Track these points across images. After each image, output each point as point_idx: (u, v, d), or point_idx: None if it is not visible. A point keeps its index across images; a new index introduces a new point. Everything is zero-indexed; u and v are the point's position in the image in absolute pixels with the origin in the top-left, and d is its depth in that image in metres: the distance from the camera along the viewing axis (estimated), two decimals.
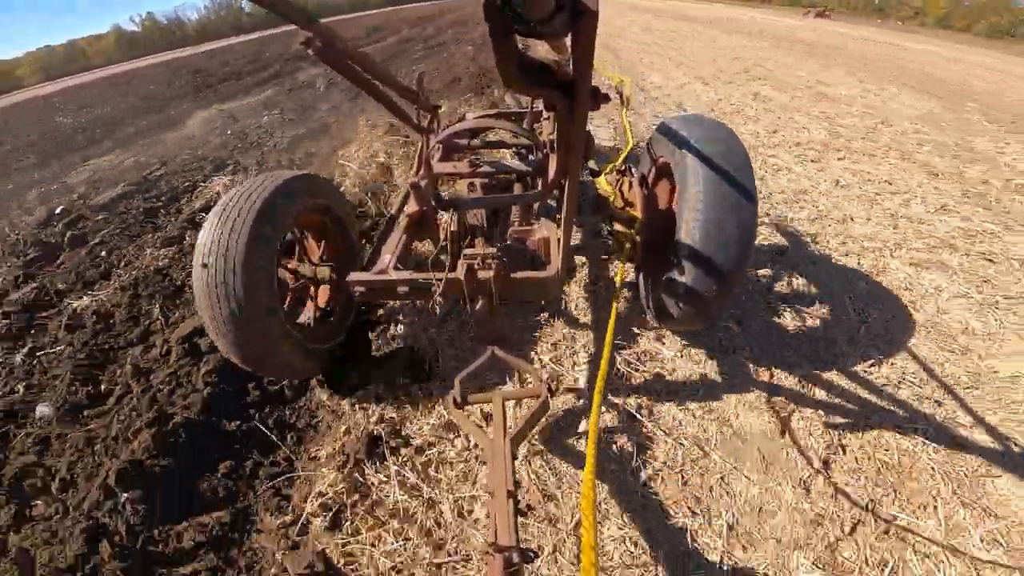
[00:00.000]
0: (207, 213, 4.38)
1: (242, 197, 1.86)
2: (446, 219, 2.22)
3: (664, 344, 2.45)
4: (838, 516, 1.70)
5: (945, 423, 2.02)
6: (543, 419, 1.86)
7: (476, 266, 1.91)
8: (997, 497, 1.74)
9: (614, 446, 1.96)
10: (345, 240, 2.48)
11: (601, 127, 5.79)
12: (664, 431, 2.02)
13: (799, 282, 2.93)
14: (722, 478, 1.84)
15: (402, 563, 1.61)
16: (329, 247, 2.43)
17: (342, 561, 1.64)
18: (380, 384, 2.28)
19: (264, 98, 10.16)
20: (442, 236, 2.22)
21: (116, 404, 2.39)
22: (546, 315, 2.67)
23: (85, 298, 3.34)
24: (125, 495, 1.85)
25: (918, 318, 2.62)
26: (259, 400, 2.33)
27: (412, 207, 2.37)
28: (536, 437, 1.98)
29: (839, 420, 2.04)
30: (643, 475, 1.85)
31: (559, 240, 2.05)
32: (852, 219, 3.67)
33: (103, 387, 2.54)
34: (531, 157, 2.60)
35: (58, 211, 5.16)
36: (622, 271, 2.15)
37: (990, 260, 3.12)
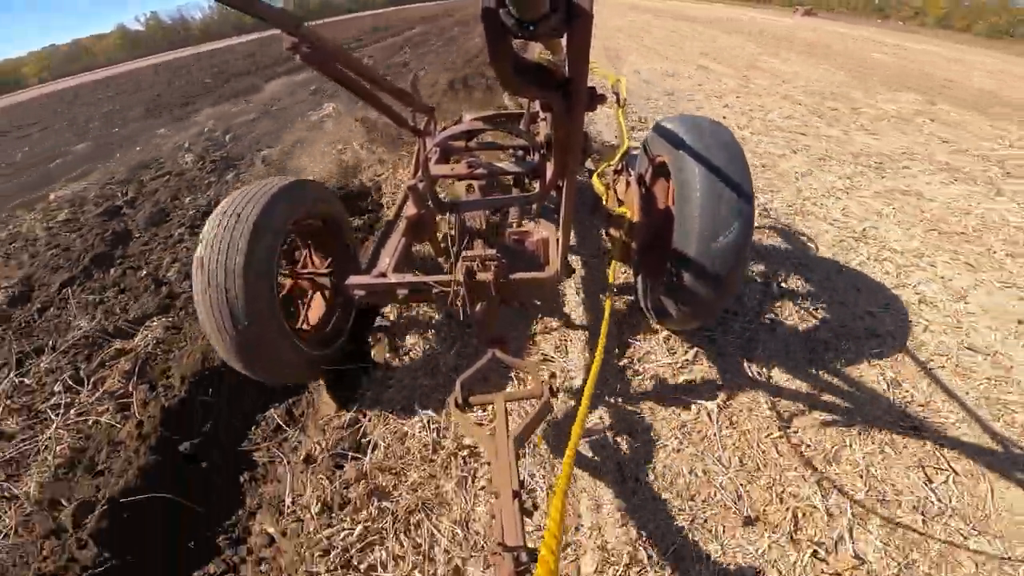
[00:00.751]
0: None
1: (239, 204, 1.86)
2: (445, 221, 2.22)
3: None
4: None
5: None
6: (546, 419, 1.85)
7: (475, 268, 1.91)
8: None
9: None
10: (343, 244, 2.49)
11: (606, 127, 5.78)
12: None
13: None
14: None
15: None
16: (328, 251, 2.43)
17: None
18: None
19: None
20: (441, 238, 2.22)
21: None
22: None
23: None
24: None
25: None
26: None
27: (410, 210, 2.36)
28: (533, 437, 1.97)
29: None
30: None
31: (558, 241, 2.05)
32: None
33: None
34: (529, 158, 2.59)
35: None
36: (614, 270, 2.15)
37: None
